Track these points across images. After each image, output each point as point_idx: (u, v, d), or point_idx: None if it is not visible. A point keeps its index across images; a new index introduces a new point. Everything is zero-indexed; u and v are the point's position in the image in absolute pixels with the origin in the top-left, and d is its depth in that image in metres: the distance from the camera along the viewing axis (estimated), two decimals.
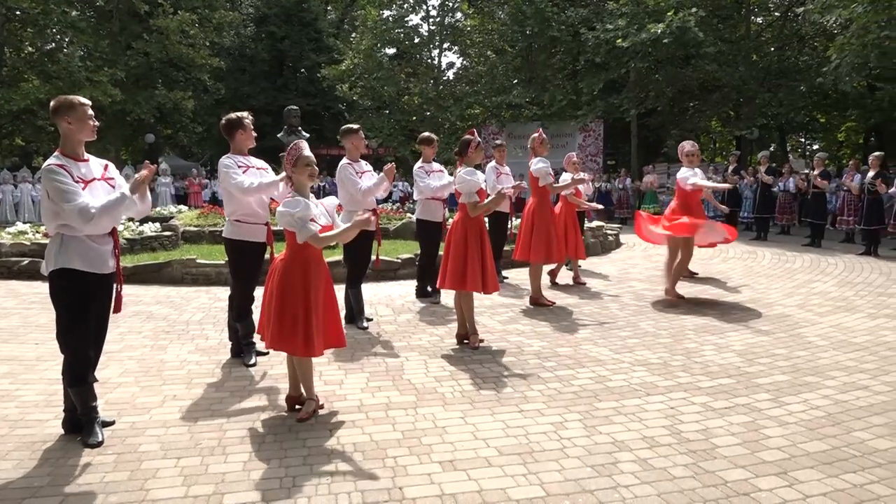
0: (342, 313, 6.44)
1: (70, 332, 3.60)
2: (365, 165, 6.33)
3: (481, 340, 5.71)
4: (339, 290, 6.89)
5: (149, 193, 3.94)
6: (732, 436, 3.76)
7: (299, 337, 3.83)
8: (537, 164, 7.13)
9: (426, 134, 7.27)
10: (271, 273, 4.02)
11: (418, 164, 7.20)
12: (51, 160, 3.53)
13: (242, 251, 5.04)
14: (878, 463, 3.40)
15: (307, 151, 3.96)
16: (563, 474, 3.27)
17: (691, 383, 4.70)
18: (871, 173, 12.04)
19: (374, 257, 6.43)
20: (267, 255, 5.07)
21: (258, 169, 5.03)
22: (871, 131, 26.79)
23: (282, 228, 3.96)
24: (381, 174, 5.98)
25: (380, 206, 9.05)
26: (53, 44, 24.55)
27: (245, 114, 5.05)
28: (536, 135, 7.49)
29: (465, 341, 5.70)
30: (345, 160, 6.20)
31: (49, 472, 3.27)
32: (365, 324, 6.32)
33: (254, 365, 5.06)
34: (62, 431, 3.75)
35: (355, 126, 6.35)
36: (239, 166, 4.91)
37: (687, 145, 7.80)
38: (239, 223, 4.99)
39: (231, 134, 4.98)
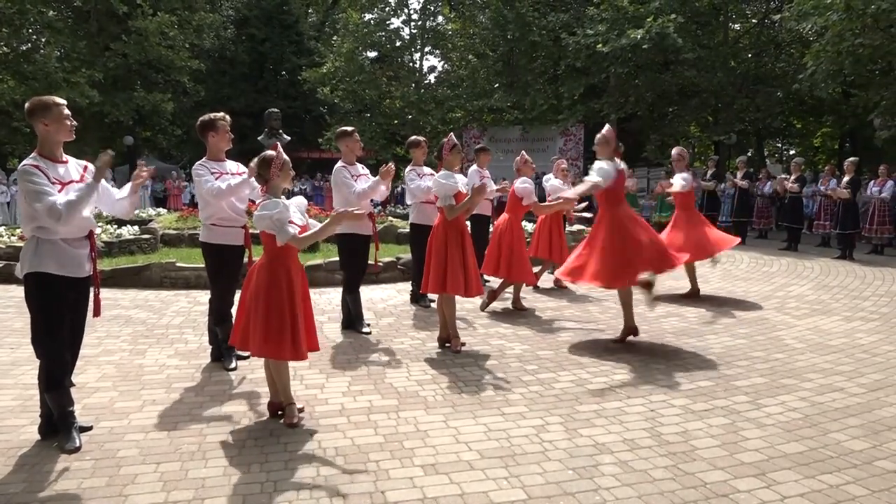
0: (340, 319, 6.45)
1: (45, 335, 3.56)
2: (361, 168, 6.28)
3: (463, 344, 5.71)
4: (337, 294, 6.90)
5: (138, 192, 3.94)
6: (711, 437, 3.80)
7: (287, 341, 3.81)
8: (522, 184, 7.11)
9: (415, 137, 7.21)
10: (250, 277, 3.99)
11: (409, 167, 7.17)
12: (27, 161, 3.49)
13: (219, 255, 5.00)
14: (854, 464, 3.46)
15: (286, 155, 3.99)
16: (544, 477, 3.29)
17: (671, 386, 4.74)
18: (845, 178, 12.24)
19: (372, 261, 6.38)
20: (245, 259, 5.04)
21: (232, 174, 4.98)
22: (845, 137, 27.22)
23: (258, 232, 3.95)
24: (377, 176, 5.94)
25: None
26: (29, 44, 24.16)
27: (220, 115, 4.99)
28: (519, 157, 7.51)
29: (447, 345, 5.70)
30: (340, 163, 6.16)
31: (24, 479, 3.22)
32: (366, 328, 6.27)
33: (234, 369, 5.02)
34: (38, 437, 3.70)
35: (350, 129, 6.31)
36: (212, 172, 4.88)
37: (674, 150, 8.32)
38: (215, 227, 4.96)
39: (204, 136, 4.97)
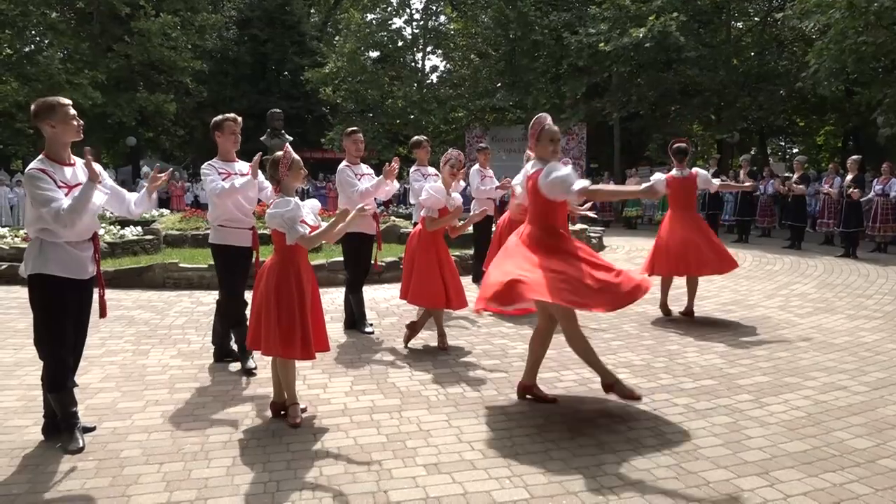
0: (342, 319, 6.46)
1: (47, 337, 3.56)
2: (365, 168, 6.31)
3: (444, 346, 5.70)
4: (339, 294, 6.89)
5: (154, 194, 3.98)
6: (714, 436, 3.79)
7: (297, 340, 3.81)
8: (518, 181, 7.09)
9: (417, 137, 7.21)
10: (259, 278, 3.99)
11: (413, 168, 7.17)
12: (34, 164, 3.49)
13: (227, 256, 4.97)
14: (857, 462, 3.45)
15: (296, 154, 4.01)
16: (547, 476, 3.28)
17: (674, 385, 4.73)
18: (849, 177, 12.21)
19: (373, 261, 6.39)
20: (253, 260, 5.02)
21: (242, 175, 4.95)
22: (849, 135, 27.16)
23: (268, 232, 3.94)
24: (381, 176, 5.93)
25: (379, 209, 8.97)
26: (32, 46, 24.26)
27: (230, 116, 4.97)
28: (525, 155, 7.48)
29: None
30: (343, 163, 6.20)
31: (28, 479, 3.23)
32: (369, 328, 6.27)
33: (254, 369, 4.94)
34: (42, 437, 3.71)
35: (351, 128, 6.38)
36: (220, 173, 4.86)
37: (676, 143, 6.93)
38: (223, 228, 4.94)
39: (213, 135, 4.98)
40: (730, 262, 6.69)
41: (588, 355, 4.18)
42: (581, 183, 3.98)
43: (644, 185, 4.03)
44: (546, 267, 3.91)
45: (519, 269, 3.95)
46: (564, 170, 4.03)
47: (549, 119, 4.27)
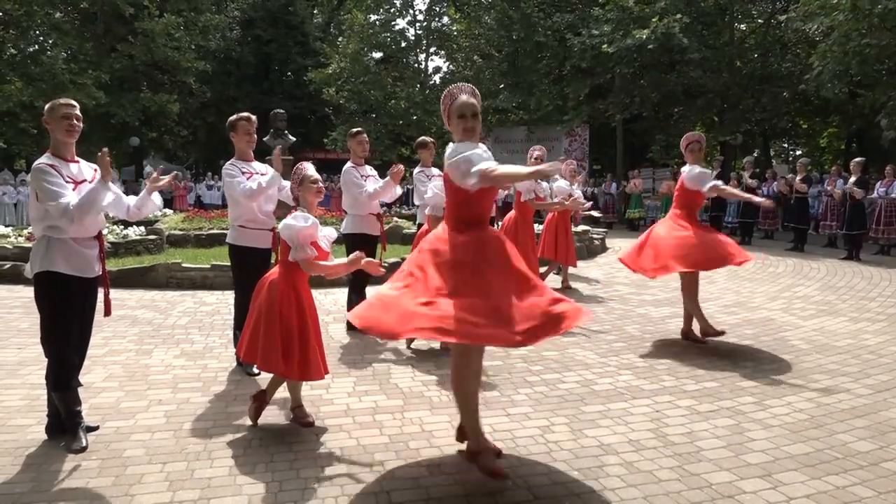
0: (345, 319, 6.44)
1: (54, 335, 3.58)
2: (369, 170, 6.33)
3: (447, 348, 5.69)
4: (342, 295, 6.87)
5: (157, 196, 3.98)
6: (717, 439, 3.79)
7: (294, 359, 3.72)
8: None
9: (423, 138, 7.20)
10: (259, 289, 3.94)
11: (417, 168, 7.16)
12: (41, 159, 3.55)
13: (245, 258, 4.95)
14: (860, 465, 3.44)
15: (311, 171, 3.95)
16: (549, 478, 3.28)
17: (676, 387, 4.73)
18: (852, 179, 12.20)
19: (378, 262, 6.36)
20: (273, 261, 4.98)
21: (261, 175, 4.93)
22: (852, 137, 27.12)
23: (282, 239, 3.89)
24: (387, 178, 5.96)
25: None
26: (36, 46, 24.32)
27: (243, 115, 4.96)
28: (529, 152, 7.49)
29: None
30: (349, 164, 6.21)
31: (32, 478, 3.24)
32: None
33: (258, 374, 4.91)
34: (45, 436, 3.71)
35: (356, 129, 6.41)
36: (243, 172, 4.86)
37: (690, 135, 6.08)
38: (243, 228, 4.93)
39: (229, 135, 4.99)
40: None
41: (467, 401, 3.39)
42: (484, 164, 3.12)
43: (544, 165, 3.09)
44: (449, 292, 3.09)
45: (414, 301, 3.11)
46: (472, 148, 3.23)
47: (462, 92, 3.38)
